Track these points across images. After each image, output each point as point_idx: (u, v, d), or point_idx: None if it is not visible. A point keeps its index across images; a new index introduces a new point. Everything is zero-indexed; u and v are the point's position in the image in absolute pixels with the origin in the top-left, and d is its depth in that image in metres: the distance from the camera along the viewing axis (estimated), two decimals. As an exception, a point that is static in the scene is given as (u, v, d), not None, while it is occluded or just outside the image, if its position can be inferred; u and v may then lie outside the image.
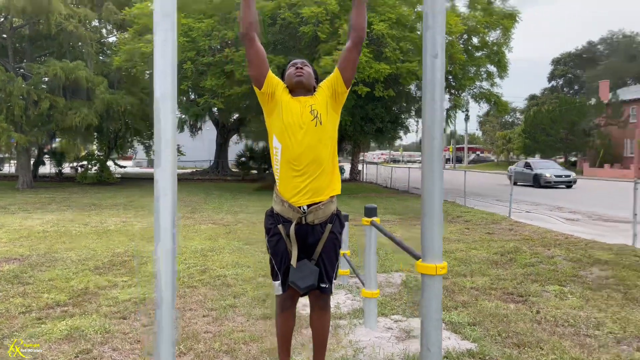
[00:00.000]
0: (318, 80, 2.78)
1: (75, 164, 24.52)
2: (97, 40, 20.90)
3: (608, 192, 20.38)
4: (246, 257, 6.49)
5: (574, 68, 64.06)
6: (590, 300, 4.63)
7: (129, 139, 24.40)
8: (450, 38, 16.06)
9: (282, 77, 2.74)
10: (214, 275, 5.50)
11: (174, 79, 2.13)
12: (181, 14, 15.29)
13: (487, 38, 17.77)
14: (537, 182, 23.23)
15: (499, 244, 7.65)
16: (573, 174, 24.20)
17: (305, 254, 2.61)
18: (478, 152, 73.26)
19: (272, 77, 2.59)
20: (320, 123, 2.54)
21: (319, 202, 2.56)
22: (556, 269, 5.91)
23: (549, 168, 24.21)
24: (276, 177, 2.64)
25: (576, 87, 62.99)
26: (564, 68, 64.09)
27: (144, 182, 24.19)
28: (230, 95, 15.07)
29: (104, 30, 22.77)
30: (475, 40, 17.86)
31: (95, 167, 22.76)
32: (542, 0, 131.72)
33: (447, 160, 62.67)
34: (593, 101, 40.81)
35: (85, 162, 23.10)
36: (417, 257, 2.45)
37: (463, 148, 66.56)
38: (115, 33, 22.72)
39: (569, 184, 22.93)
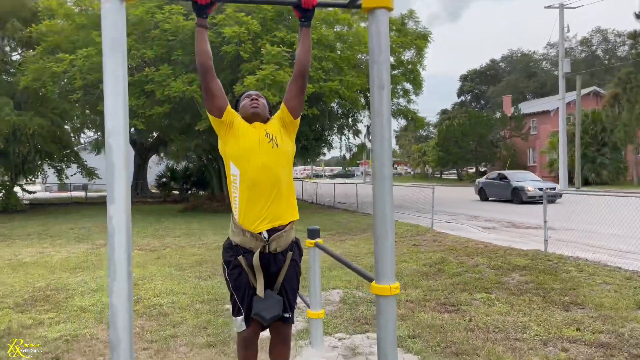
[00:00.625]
0: (271, 111, 2.85)
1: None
2: (1, 59, 19.51)
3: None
4: (180, 284, 6.31)
5: (480, 84, 68.66)
6: (514, 305, 4.99)
7: (39, 163, 22.82)
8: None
9: (235, 108, 2.77)
10: (148, 305, 5.30)
11: (125, 112, 2.10)
12: (95, 32, 14.71)
13: (403, 57, 18.62)
14: (518, 197, 19.68)
15: (426, 255, 8.00)
16: (558, 186, 21.13)
17: (266, 284, 2.60)
18: (396, 166, 75.99)
19: (230, 108, 2.64)
20: (277, 145, 2.60)
21: (280, 229, 2.58)
22: (481, 277, 6.29)
23: (527, 180, 20.78)
24: (234, 207, 2.62)
25: (482, 102, 67.43)
26: (471, 84, 68.49)
27: (56, 207, 22.72)
28: (152, 115, 14.62)
29: (7, 48, 21.29)
30: (391, 59, 18.66)
31: (0, 194, 21.06)
32: (445, 18, 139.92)
33: (368, 174, 64.40)
34: (498, 115, 43.89)
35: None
36: (370, 279, 2.55)
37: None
38: (20, 51, 21.34)
39: (552, 199, 18.20)
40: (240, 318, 2.59)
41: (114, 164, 2.08)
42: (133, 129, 18.67)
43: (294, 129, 2.74)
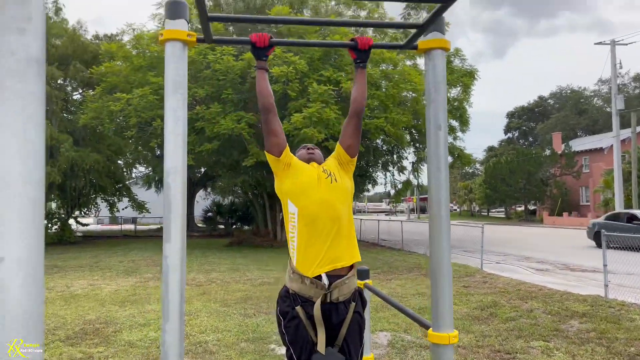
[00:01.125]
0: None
1: (34, 223, 23.57)
2: (63, 98, 20.70)
3: (569, 240, 21.00)
4: (225, 321, 6.29)
5: (528, 121, 67.26)
6: (576, 356, 4.68)
7: (93, 196, 23.79)
8: (415, 95, 16.70)
9: None
10: (194, 342, 5.29)
11: (184, 152, 2.13)
12: (150, 73, 15.42)
13: (449, 94, 18.53)
14: None
15: (476, 297, 7.69)
16: None
17: (327, 339, 2.39)
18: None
19: (289, 149, 2.60)
20: (335, 180, 2.51)
21: (342, 274, 2.41)
22: (537, 323, 5.97)
23: None
24: (292, 249, 2.47)
25: (531, 139, 65.87)
26: (519, 121, 67.19)
27: (107, 240, 23.44)
28: (201, 152, 15.03)
29: (69, 88, 22.61)
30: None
31: (56, 226, 21.97)
32: (490, 55, 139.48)
33: (412, 211, 63.59)
34: (548, 152, 42.67)
35: (45, 221, 22.27)
36: (426, 326, 2.44)
37: (426, 198, 67.78)
38: (81, 91, 22.61)
39: None
40: None
41: (172, 203, 2.10)
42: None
43: (351, 168, 2.66)
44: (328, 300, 2.37)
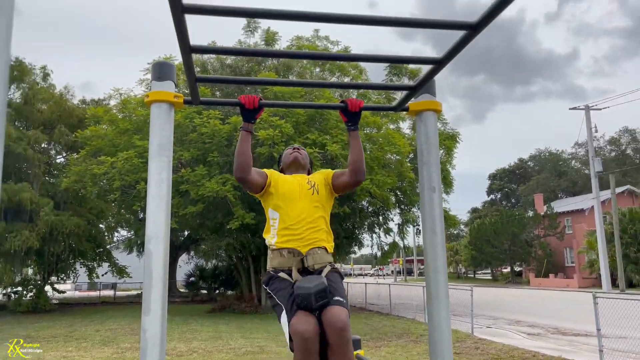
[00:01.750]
0: (312, 166, 3.00)
1: (8, 290, 22.64)
2: (45, 161, 20.54)
3: (558, 302, 20.77)
4: (206, 395, 5.91)
5: (509, 183, 68.43)
6: None
7: (71, 262, 23.07)
8: (399, 157, 16.91)
9: (279, 164, 2.97)
10: (172, 420, 4.92)
11: (167, 217, 2.03)
12: (136, 136, 15.45)
13: (432, 157, 18.78)
14: None
15: (469, 365, 7.40)
16: None
17: None
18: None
19: (270, 176, 2.71)
20: (317, 192, 2.66)
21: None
22: (534, 392, 5.71)
23: None
24: (271, 245, 2.64)
25: (513, 200, 66.73)
26: (500, 183, 68.32)
27: (84, 307, 22.54)
28: (185, 215, 14.81)
29: (52, 152, 22.49)
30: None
31: (31, 293, 21.09)
32: (470, 120, 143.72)
33: (399, 273, 62.89)
34: (530, 213, 43.06)
35: (19, 288, 21.42)
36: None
37: (412, 260, 67.27)
38: (65, 154, 22.49)
39: None
40: (287, 316, 2.37)
41: (152, 272, 1.97)
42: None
43: (334, 194, 2.81)
44: (305, 266, 2.53)
